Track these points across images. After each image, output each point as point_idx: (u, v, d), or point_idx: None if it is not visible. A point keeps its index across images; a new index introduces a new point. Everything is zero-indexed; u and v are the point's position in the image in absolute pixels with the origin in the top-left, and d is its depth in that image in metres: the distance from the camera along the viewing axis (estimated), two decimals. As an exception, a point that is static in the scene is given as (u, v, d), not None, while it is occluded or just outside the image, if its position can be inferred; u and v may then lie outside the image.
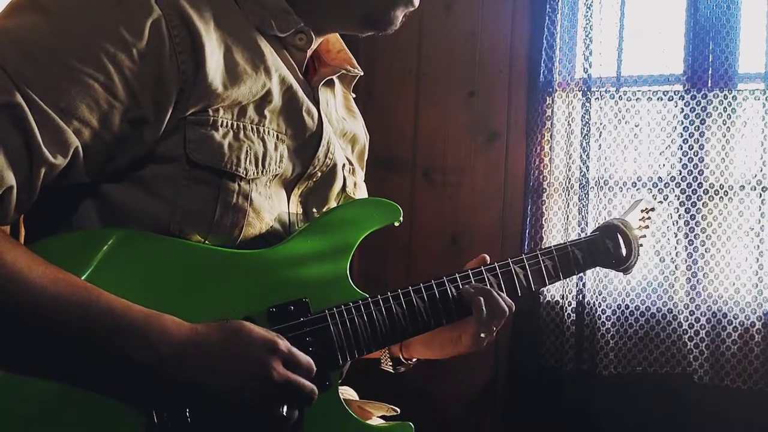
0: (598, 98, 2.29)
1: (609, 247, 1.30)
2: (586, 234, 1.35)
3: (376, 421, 1.17)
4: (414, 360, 1.26)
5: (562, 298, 2.29)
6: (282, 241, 1.00)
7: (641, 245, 1.35)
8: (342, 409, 0.98)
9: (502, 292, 1.13)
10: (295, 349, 0.88)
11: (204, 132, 0.91)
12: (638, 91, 2.27)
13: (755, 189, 2.16)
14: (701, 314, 2.17)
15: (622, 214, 1.38)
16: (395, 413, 1.18)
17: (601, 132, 2.28)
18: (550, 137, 2.35)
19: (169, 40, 0.86)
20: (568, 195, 2.31)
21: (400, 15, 1.07)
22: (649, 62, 2.28)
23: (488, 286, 1.11)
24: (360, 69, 1.18)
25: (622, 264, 1.32)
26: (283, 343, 0.86)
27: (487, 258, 1.17)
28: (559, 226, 2.33)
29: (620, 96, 2.27)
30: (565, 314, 2.27)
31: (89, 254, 0.86)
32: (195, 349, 0.82)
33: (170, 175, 0.90)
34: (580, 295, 2.26)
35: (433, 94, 2.50)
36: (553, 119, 2.34)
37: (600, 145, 2.28)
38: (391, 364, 1.25)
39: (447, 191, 2.47)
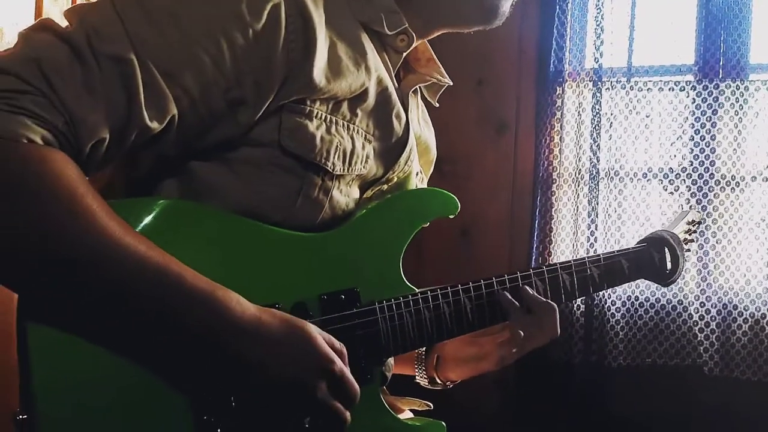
0: (608, 88, 2.27)
1: (655, 260, 1.24)
2: (632, 245, 1.27)
3: (406, 414, 1.15)
4: (450, 382, 1.22)
5: (572, 289, 2.27)
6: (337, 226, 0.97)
7: (687, 261, 1.29)
8: (380, 404, 0.98)
9: (548, 297, 1.09)
10: (347, 374, 0.85)
11: (299, 121, 0.89)
12: (649, 81, 2.26)
13: (767, 180, 2.16)
14: (712, 306, 2.16)
15: (669, 226, 1.32)
16: (428, 408, 1.17)
17: (611, 122, 2.27)
18: (560, 128, 2.33)
19: (284, 27, 0.85)
20: (578, 186, 2.29)
21: (508, 6, 1.07)
22: (661, 52, 2.27)
23: (533, 290, 1.08)
24: (449, 79, 1.16)
25: (666, 279, 1.25)
26: (339, 366, 0.84)
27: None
28: (569, 218, 2.31)
29: (631, 86, 2.26)
30: (574, 305, 2.26)
31: (153, 220, 0.84)
32: (255, 334, 0.80)
33: (258, 160, 0.89)
34: (590, 287, 2.25)
35: (442, 83, 2.47)
36: (563, 109, 2.32)
37: (611, 136, 2.27)
38: (426, 379, 1.22)
39: (456, 182, 2.45)
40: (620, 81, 2.26)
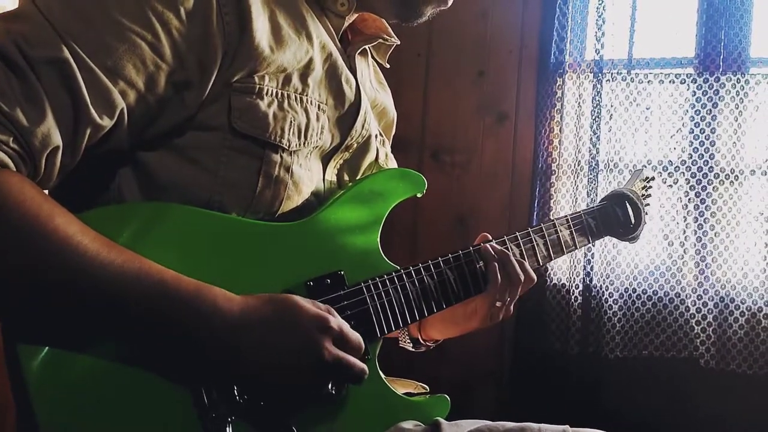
0: (609, 80, 2.27)
1: (619, 215, 1.32)
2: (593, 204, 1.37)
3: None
4: (432, 342, 1.25)
5: (569, 281, 2.28)
6: (314, 212, 0.98)
7: (647, 213, 1.37)
8: (381, 381, 0.99)
9: (525, 260, 1.13)
10: (345, 326, 0.87)
11: (249, 101, 0.88)
12: (650, 73, 2.25)
13: (766, 174, 2.15)
14: (709, 299, 2.16)
15: (625, 184, 1.40)
16: (424, 391, 1.17)
17: (611, 114, 2.26)
18: (560, 119, 2.33)
19: (215, 0, 0.84)
20: (577, 177, 2.29)
21: (429, 11, 1.07)
22: (662, 45, 2.26)
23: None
24: (396, 38, 1.15)
25: (630, 232, 1.34)
26: (334, 321, 0.85)
27: (489, 236, 1.16)
28: (567, 209, 2.31)
29: (632, 78, 2.25)
30: (572, 297, 2.26)
31: (128, 227, 0.83)
32: (247, 323, 0.80)
33: (210, 144, 0.88)
34: (587, 279, 2.25)
35: (442, 73, 2.47)
36: (563, 101, 2.32)
37: (610, 128, 2.26)
38: (410, 342, 1.25)
39: (454, 172, 2.45)
40: (621, 73, 2.26)
